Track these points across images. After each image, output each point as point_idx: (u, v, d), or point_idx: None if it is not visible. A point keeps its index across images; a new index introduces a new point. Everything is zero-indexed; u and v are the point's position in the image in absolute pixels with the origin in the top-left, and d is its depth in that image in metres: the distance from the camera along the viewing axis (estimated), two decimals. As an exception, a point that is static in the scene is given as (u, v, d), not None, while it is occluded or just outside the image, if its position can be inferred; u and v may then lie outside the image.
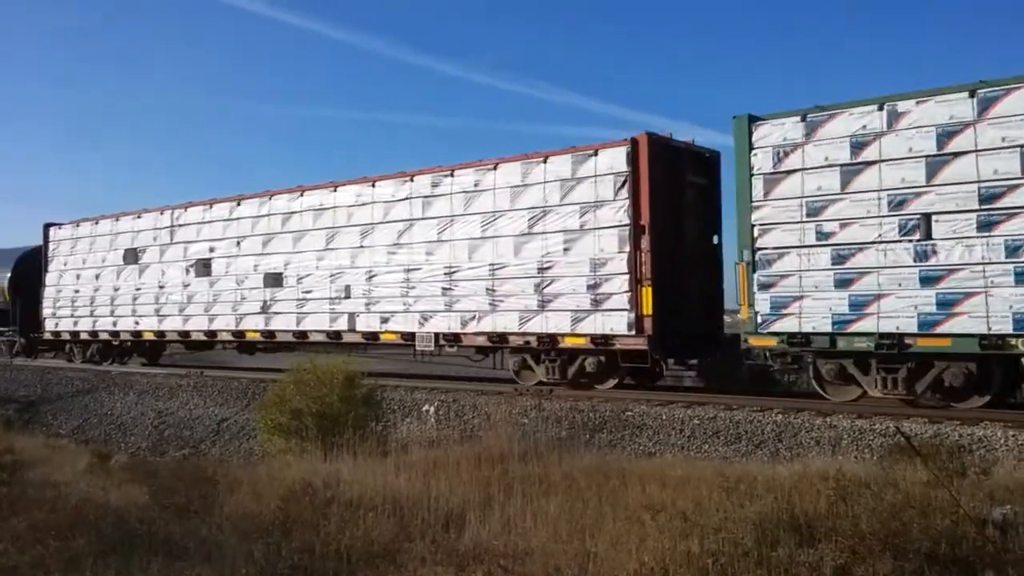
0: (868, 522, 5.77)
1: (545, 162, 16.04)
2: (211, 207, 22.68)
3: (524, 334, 16.11)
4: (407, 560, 6.14)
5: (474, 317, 16.84)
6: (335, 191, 19.64)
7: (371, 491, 8.03)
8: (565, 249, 15.65)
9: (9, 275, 29.14)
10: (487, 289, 16.67)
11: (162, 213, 24.09)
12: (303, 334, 20.12)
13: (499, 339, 16.63)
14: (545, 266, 15.87)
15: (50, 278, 27.46)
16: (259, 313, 20.92)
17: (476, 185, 17.03)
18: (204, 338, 22.95)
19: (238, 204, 21.96)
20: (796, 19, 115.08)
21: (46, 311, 27.33)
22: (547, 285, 15.81)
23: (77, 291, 26.47)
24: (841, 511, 6.23)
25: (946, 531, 5.50)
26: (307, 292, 19.93)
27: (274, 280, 20.63)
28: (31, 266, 28.49)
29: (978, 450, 10.11)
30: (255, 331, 21.21)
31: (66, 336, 27.02)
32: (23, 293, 28.13)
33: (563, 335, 15.60)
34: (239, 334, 21.75)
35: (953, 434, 10.72)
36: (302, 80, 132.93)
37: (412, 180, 18.16)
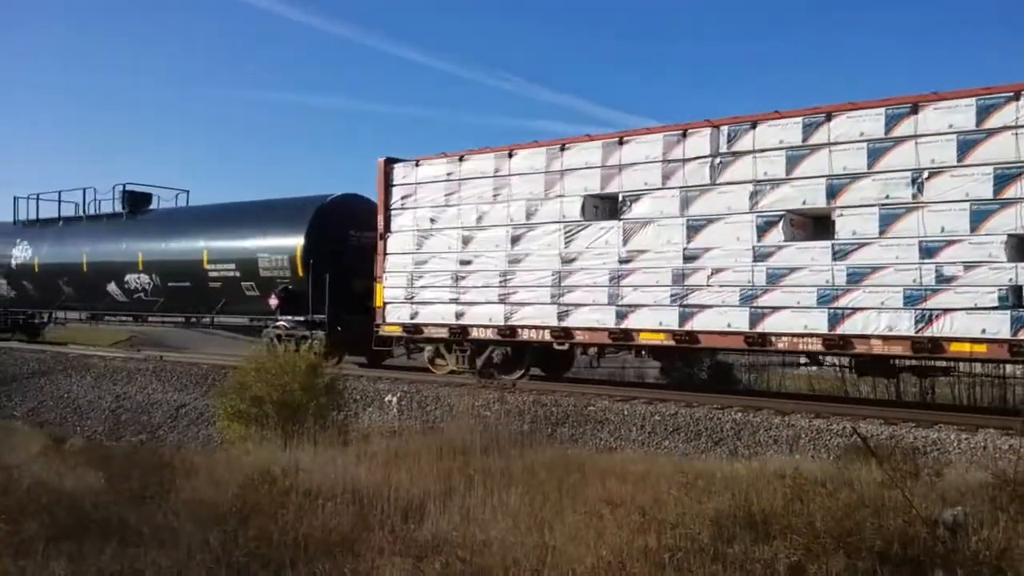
0: (823, 520, 5.85)
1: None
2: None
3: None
4: (365, 550, 6.12)
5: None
6: None
7: (331, 481, 7.99)
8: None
9: (302, 241, 18.91)
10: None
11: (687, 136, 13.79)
12: None
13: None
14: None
15: (395, 242, 17.16)
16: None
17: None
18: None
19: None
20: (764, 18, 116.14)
21: (390, 292, 17.19)
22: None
23: (468, 263, 16.14)
24: (797, 509, 6.31)
25: (898, 531, 5.60)
26: None
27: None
28: (336, 226, 19.18)
29: (932, 452, 10.29)
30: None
31: (432, 332, 16.70)
32: (324, 266, 18.41)
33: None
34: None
35: (908, 436, 10.90)
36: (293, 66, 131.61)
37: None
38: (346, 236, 19.21)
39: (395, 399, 15.47)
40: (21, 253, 26.95)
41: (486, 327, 15.88)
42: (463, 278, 16.15)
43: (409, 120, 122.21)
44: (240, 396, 12.29)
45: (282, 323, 19.55)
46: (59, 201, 27.24)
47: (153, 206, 25.77)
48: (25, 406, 20.42)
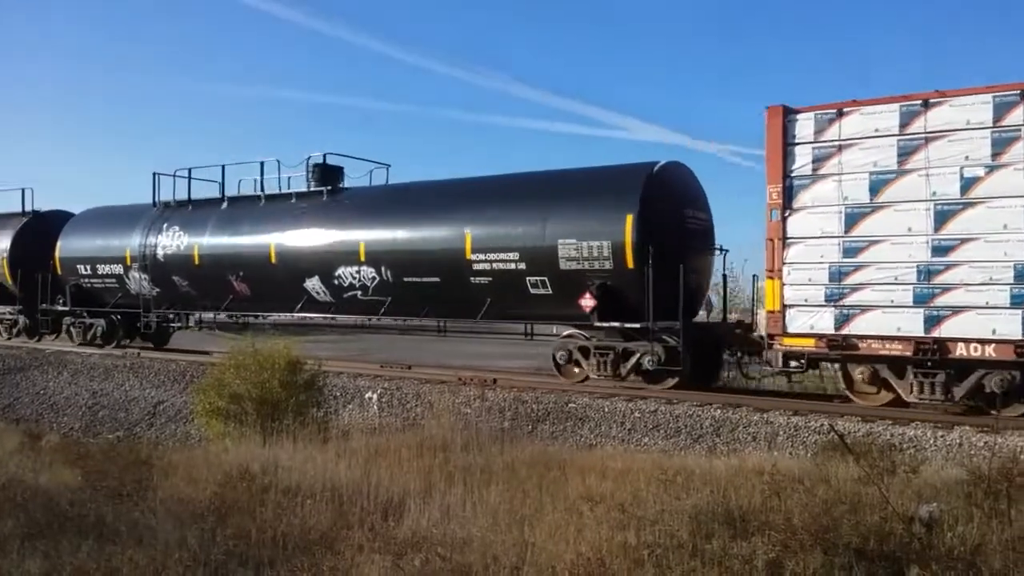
0: (800, 517, 5.90)
1: None
2: None
3: None
4: (344, 548, 6.10)
5: None
6: None
7: (310, 478, 7.96)
8: None
9: (633, 221, 14.21)
10: None
11: None
12: None
13: None
14: None
15: (804, 223, 12.58)
16: None
17: None
18: None
19: None
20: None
21: (795, 292, 12.59)
22: None
23: (948, 249, 11.41)
24: (775, 505, 6.36)
25: (875, 527, 5.64)
26: None
27: None
28: (671, 202, 14.91)
29: (908, 449, 10.38)
30: None
31: (876, 347, 12.00)
32: (660, 256, 13.93)
33: None
34: None
35: (885, 433, 11.00)
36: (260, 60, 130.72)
37: None
38: (683, 217, 14.96)
39: (375, 396, 15.44)
40: (171, 241, 21.12)
41: (984, 342, 11.21)
42: (938, 272, 11.41)
43: (390, 116, 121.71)
44: (219, 393, 12.22)
45: (593, 331, 15.20)
46: (221, 180, 21.28)
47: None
48: (0, 403, 20.20)
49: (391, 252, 17.16)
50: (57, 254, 23.97)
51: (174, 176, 22.29)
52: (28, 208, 26.14)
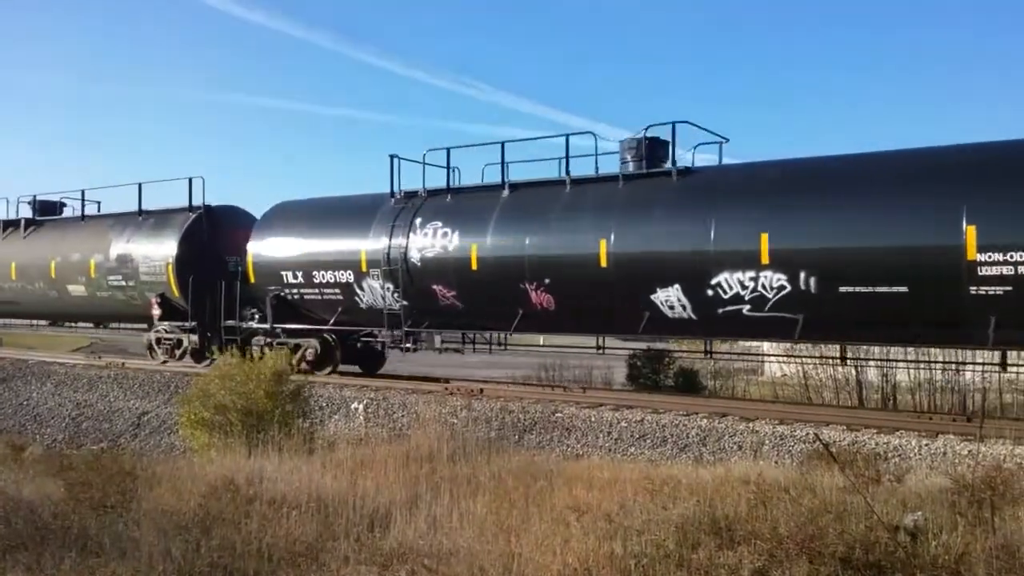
0: (786, 526, 5.91)
1: None
2: None
3: None
4: (330, 559, 6.07)
5: None
6: None
7: (295, 489, 7.92)
8: None
9: None
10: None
11: None
12: None
13: None
14: None
15: None
16: None
17: None
18: None
19: None
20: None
21: None
22: None
23: None
24: (760, 515, 6.38)
25: (860, 536, 5.66)
26: None
27: None
28: None
29: (893, 458, 10.44)
30: None
31: None
32: None
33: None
34: None
35: (870, 442, 11.05)
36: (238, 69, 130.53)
37: None
38: None
39: (361, 407, 15.38)
40: (431, 240, 16.33)
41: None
42: None
43: (374, 125, 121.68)
44: (204, 404, 12.15)
45: None
46: (501, 162, 16.52)
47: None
48: (-18, 414, 20.02)
49: (818, 252, 12.47)
50: (250, 259, 19.12)
51: (425, 162, 17.25)
52: (196, 202, 20.87)
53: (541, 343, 18.90)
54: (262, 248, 19.07)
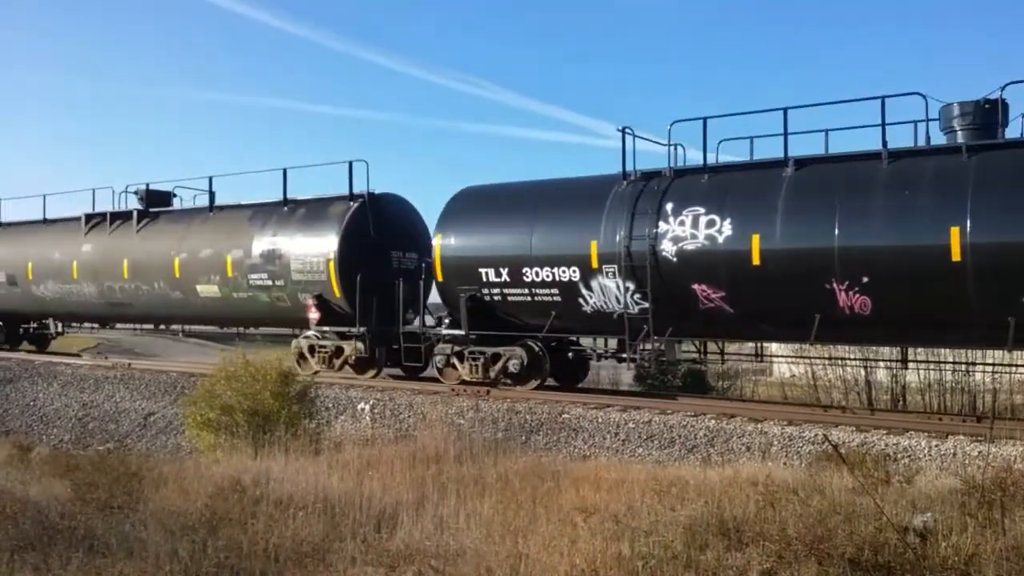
0: (795, 527, 5.88)
1: None
2: None
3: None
4: (337, 560, 6.06)
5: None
6: None
7: (302, 490, 7.92)
8: None
9: None
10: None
11: None
12: None
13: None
14: None
15: None
16: None
17: None
18: None
19: None
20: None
21: None
22: None
23: None
24: (769, 516, 6.35)
25: (870, 537, 5.63)
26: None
27: None
28: None
29: (903, 459, 10.38)
30: None
31: None
32: None
33: None
34: None
35: (879, 443, 11.00)
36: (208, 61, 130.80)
37: None
38: None
39: (368, 407, 15.37)
40: (693, 231, 13.35)
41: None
42: None
43: (372, 123, 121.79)
44: (210, 404, 12.17)
45: None
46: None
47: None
48: (-10, 415, 20.08)
49: None
50: (438, 254, 16.35)
51: (669, 142, 14.33)
52: (357, 189, 17.99)
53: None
54: (453, 241, 16.16)
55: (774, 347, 16.77)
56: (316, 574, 5.76)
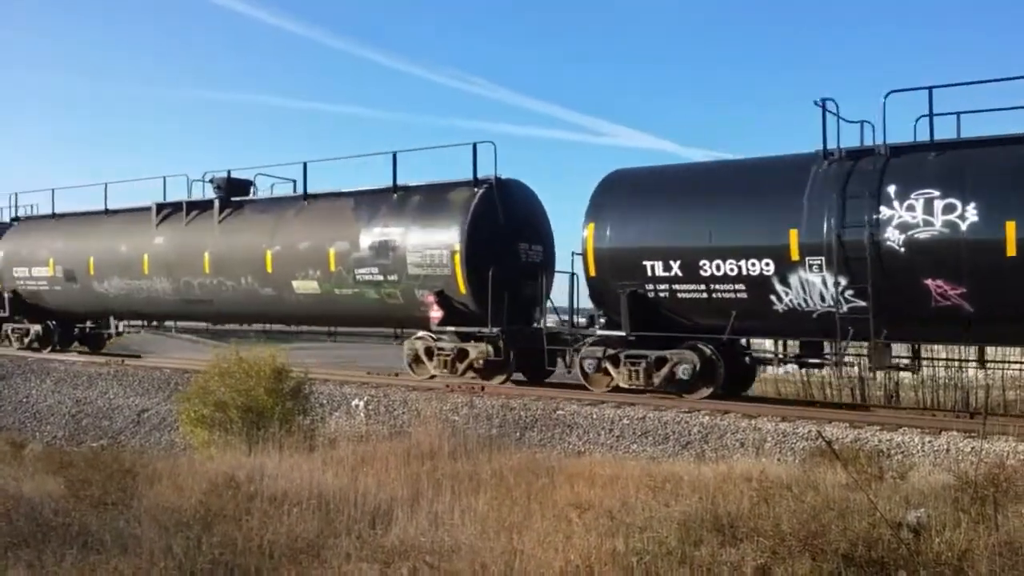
0: (789, 523, 5.89)
1: None
2: None
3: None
4: (331, 556, 6.06)
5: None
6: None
7: (296, 486, 7.91)
8: None
9: None
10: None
11: None
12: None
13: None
14: None
15: None
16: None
17: None
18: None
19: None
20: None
21: None
22: None
23: None
24: (763, 512, 6.36)
25: (863, 533, 5.65)
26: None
27: None
28: None
29: (896, 455, 10.42)
30: None
31: None
32: None
33: None
34: None
35: (873, 439, 11.04)
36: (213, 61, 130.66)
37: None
38: None
39: (362, 404, 15.37)
40: (927, 217, 11.74)
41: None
42: None
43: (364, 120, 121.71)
44: (203, 401, 12.15)
45: None
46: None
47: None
48: (-17, 411, 20.03)
49: None
50: (590, 245, 14.40)
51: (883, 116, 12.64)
52: (482, 174, 16.21)
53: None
54: (610, 232, 14.31)
55: (767, 344, 16.60)
56: (311, 570, 5.75)
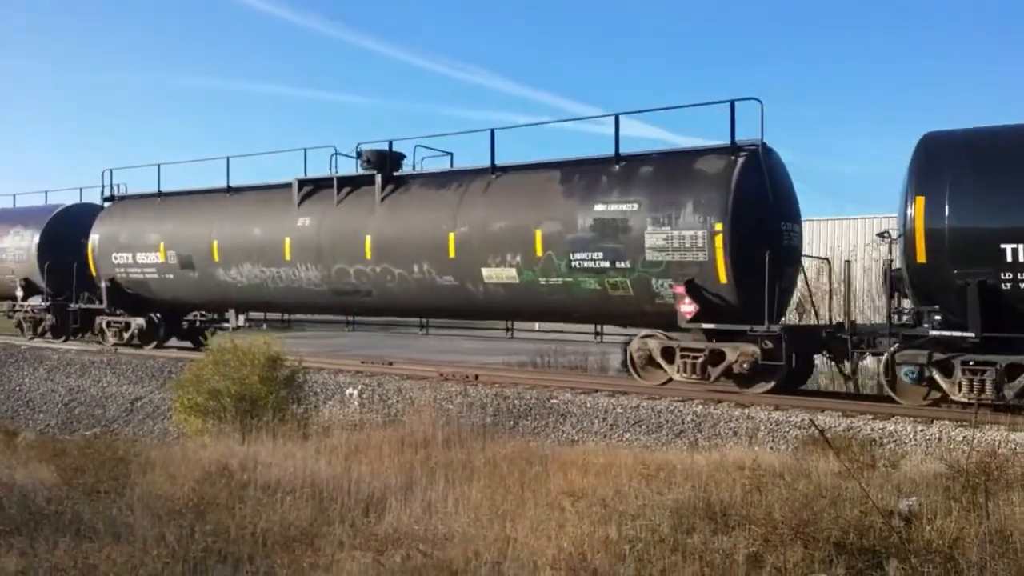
0: (781, 511, 5.92)
1: None
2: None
3: None
4: (325, 544, 6.07)
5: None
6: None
7: (290, 474, 7.91)
8: None
9: None
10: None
11: None
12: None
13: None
14: None
15: None
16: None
17: None
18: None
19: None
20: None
21: None
22: None
23: None
24: (755, 500, 6.39)
25: (855, 521, 5.68)
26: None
27: None
28: None
29: (888, 444, 10.46)
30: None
31: None
32: None
33: None
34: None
35: (865, 428, 11.07)
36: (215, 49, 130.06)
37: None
38: None
39: (356, 392, 15.37)
40: None
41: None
42: None
43: (361, 110, 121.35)
44: (197, 389, 12.13)
45: None
46: None
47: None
48: (-25, 400, 19.99)
49: None
50: (920, 223, 11.32)
51: None
52: (740, 139, 13.24)
53: (536, 328, 18.66)
54: (948, 208, 11.14)
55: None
56: (304, 558, 5.75)
